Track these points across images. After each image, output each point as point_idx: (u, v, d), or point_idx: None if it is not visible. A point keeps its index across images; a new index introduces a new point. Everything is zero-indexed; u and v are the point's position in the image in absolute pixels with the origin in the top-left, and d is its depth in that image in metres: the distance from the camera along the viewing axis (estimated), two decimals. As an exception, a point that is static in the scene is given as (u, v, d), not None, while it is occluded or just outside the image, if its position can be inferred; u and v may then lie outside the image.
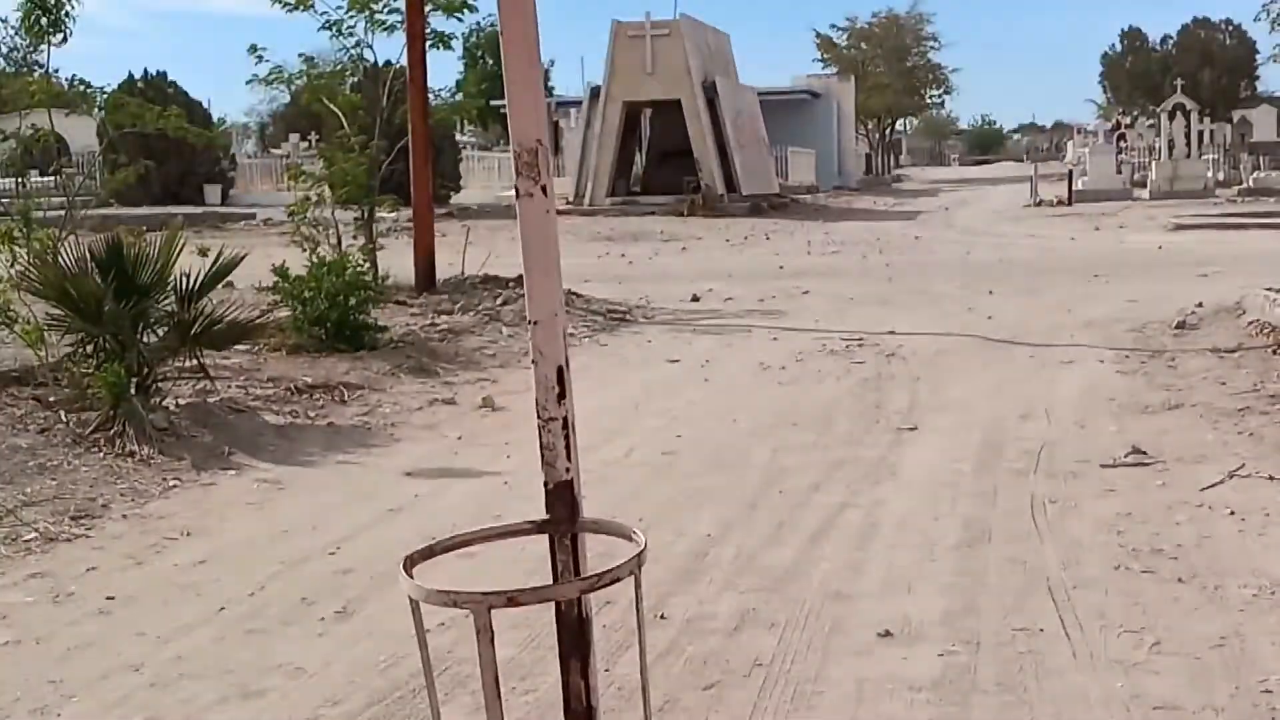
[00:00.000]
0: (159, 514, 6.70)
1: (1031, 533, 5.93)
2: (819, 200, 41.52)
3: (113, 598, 5.42)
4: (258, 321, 9.49)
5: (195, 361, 8.74)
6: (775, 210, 35.21)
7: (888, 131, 77.95)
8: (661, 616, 4.93)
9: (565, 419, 1.47)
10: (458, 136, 43.93)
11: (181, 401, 8.61)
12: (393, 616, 5.08)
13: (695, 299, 15.98)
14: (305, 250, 12.45)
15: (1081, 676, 4.27)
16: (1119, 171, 41.55)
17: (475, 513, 6.55)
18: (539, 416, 1.48)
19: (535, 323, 1.46)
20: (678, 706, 4.12)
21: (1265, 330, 11.50)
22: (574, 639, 1.53)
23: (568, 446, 1.48)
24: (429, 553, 1.47)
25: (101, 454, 7.54)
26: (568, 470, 1.49)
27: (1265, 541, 5.63)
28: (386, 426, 8.90)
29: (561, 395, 1.46)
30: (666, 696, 4.19)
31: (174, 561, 5.92)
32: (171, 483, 7.26)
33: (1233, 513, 6.08)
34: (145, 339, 8.54)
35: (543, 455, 1.49)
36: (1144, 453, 7.26)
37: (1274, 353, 10.48)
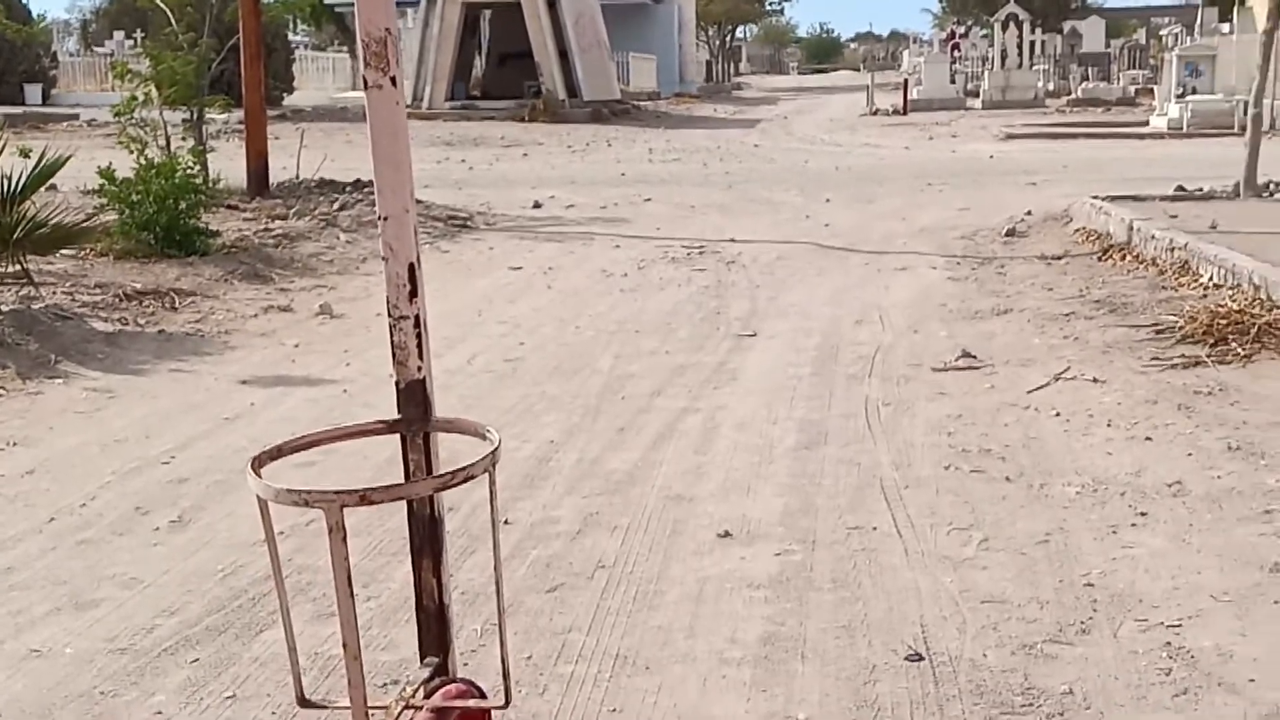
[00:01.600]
0: (-17, 424, 6.49)
1: (866, 435, 6.08)
2: (660, 107, 41.49)
3: (-64, 510, 5.25)
4: (84, 226, 9.19)
5: (18, 267, 8.44)
6: (617, 117, 35.09)
7: (728, 39, 77.99)
8: (505, 522, 4.95)
9: (417, 317, 1.46)
10: (290, 35, 42.71)
11: (4, 309, 8.31)
12: (230, 525, 5.03)
13: (537, 206, 15.90)
14: (132, 152, 12.04)
15: (913, 573, 4.41)
16: (953, 81, 42.32)
17: (314, 421, 6.47)
18: (390, 315, 1.47)
19: (385, 218, 1.44)
20: (522, 609, 4.16)
21: (1091, 237, 11.88)
22: (426, 538, 1.54)
23: (420, 345, 1.47)
24: (277, 452, 1.46)
25: (-81, 362, 7.26)
26: (420, 369, 1.49)
27: (1088, 441, 5.85)
28: (220, 334, 8.72)
29: (413, 293, 1.45)
30: (511, 600, 4.22)
31: (0, 472, 5.75)
32: (-5, 392, 7.03)
33: (1058, 414, 6.30)
34: (-37, 243, 8.22)
35: (394, 354, 1.48)
36: (974, 356, 7.48)
37: (1099, 259, 10.84)
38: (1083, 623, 3.97)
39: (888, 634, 3.94)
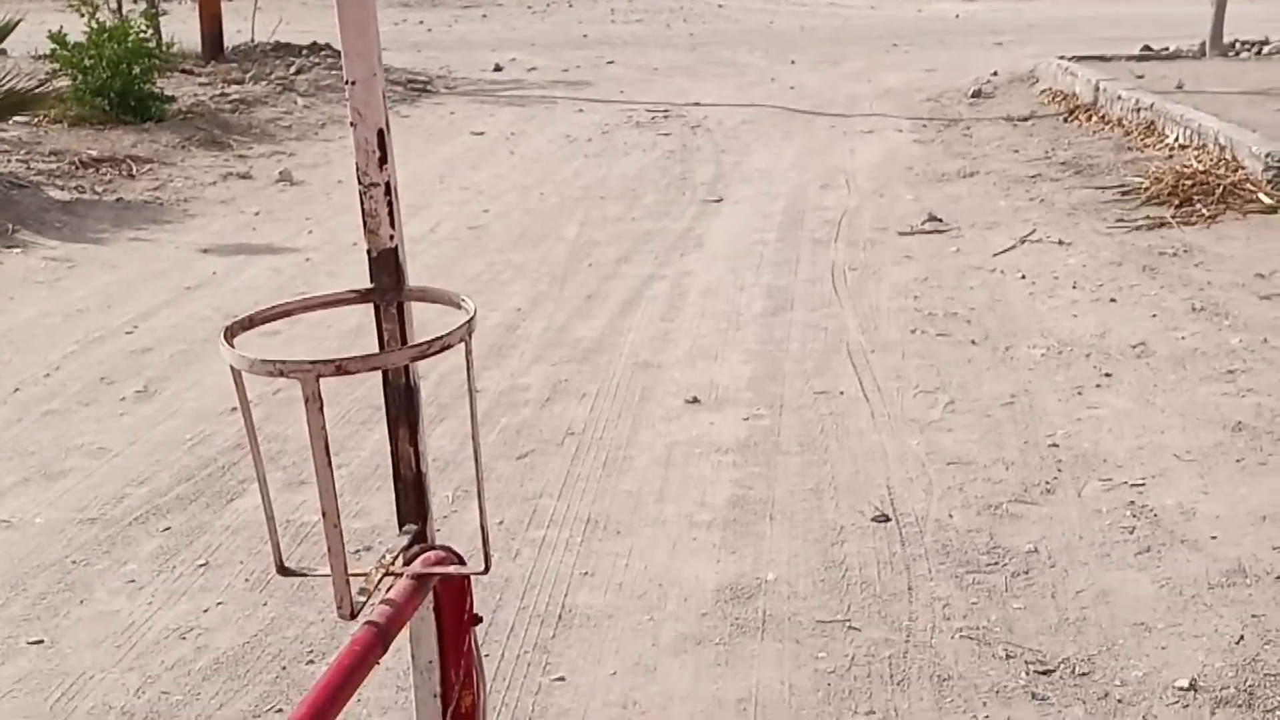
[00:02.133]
0: (-59, 295, 6.42)
1: (832, 299, 6.09)
2: (621, -33, 40.75)
3: (-103, 382, 5.21)
4: (36, 92, 9.01)
5: (-31, 134, 8.28)
6: (576, -23, 34.46)
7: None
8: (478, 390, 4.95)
9: (387, 184, 1.43)
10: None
11: (-43, 177, 8.19)
12: (196, 394, 5.01)
13: (498, 69, 15.68)
14: (83, 16, 11.73)
15: (879, 435, 4.45)
16: (919, -60, 41.63)
17: (276, 289, 6.43)
18: (359, 182, 1.44)
19: (352, 83, 1.40)
20: (493, 475, 4.18)
21: (1057, 98, 11.82)
22: (403, 406, 1.53)
23: (391, 213, 1.44)
24: (249, 322, 1.44)
25: (-128, 233, 7.15)
26: (392, 237, 1.46)
27: (1053, 304, 5.88)
28: (179, 202, 8.61)
29: (383, 160, 1.42)
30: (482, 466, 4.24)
31: (-39, 344, 5.70)
32: (-48, 262, 6.95)
33: (1024, 276, 6.32)
34: (-88, 110, 8.05)
35: (365, 222, 1.46)
36: (940, 220, 7.47)
37: (1065, 120, 10.80)
38: (1047, 483, 4.02)
39: (855, 496, 3.98)
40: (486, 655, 2.89)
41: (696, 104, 12.70)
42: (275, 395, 4.86)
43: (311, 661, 3.16)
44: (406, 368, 1.52)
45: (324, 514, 1.35)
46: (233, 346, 1.38)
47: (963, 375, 5.01)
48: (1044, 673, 3.02)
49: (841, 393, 4.87)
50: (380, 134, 1.42)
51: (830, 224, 7.61)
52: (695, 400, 4.83)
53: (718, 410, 4.74)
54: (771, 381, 5.02)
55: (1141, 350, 5.20)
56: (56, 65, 10.85)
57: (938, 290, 6.17)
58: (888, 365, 5.15)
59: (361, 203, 1.47)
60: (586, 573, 3.57)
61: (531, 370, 5.24)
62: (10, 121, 9.60)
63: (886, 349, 5.35)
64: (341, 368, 1.29)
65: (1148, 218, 7.26)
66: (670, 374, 5.15)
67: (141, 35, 11.20)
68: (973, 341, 5.40)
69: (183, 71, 13.32)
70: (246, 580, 3.57)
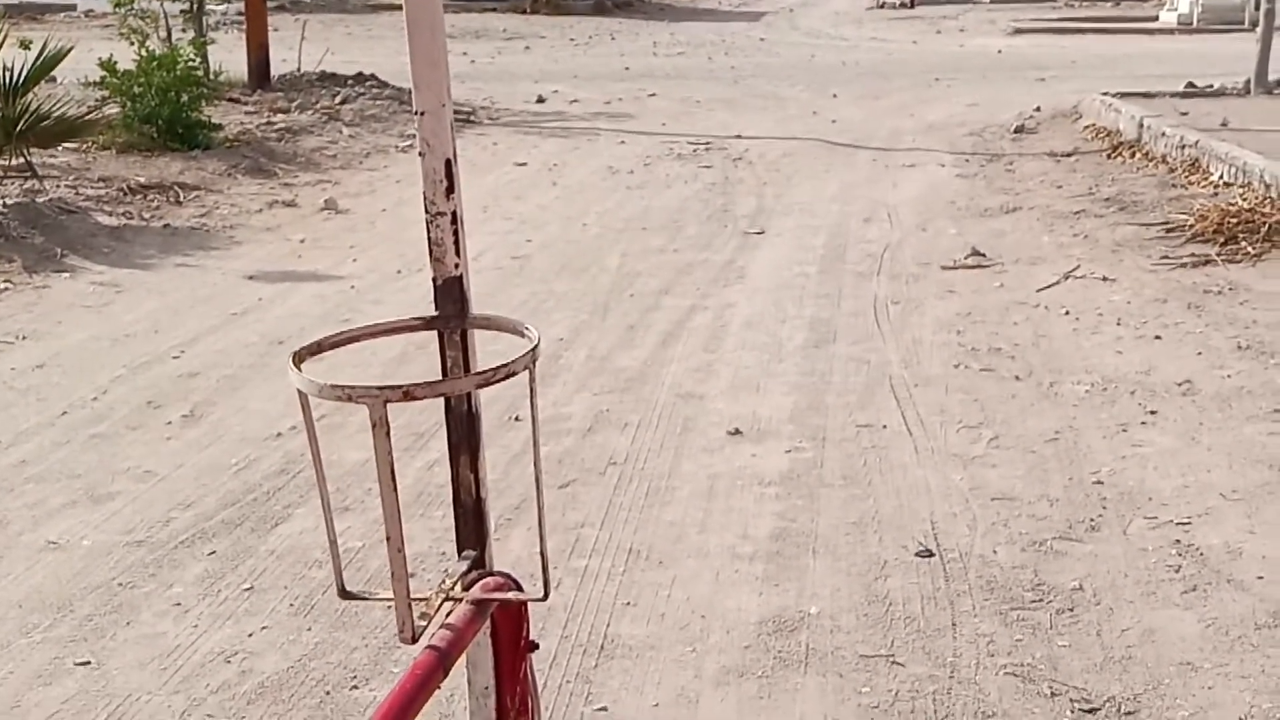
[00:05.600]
0: (-9, 318, 6.50)
1: (875, 333, 6.09)
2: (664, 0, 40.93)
3: (-52, 403, 5.28)
4: (86, 118, 9.14)
5: (22, 160, 8.40)
6: (620, 9, 34.65)
7: (732, -70, 76.76)
8: (516, 419, 4.98)
9: (454, 213, 1.45)
10: (287, -75, 42.04)
11: (9, 202, 8.28)
12: (242, 420, 5.05)
13: (541, 101, 15.77)
14: (133, 44, 11.92)
15: (923, 470, 4.45)
16: (961, -25, 41.63)
17: (322, 317, 6.48)
18: (426, 211, 1.46)
19: (422, 113, 1.43)
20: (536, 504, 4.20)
21: (1100, 134, 11.80)
22: (464, 433, 1.55)
23: (456, 241, 1.47)
24: (317, 348, 1.46)
25: (-75, 256, 7.25)
26: (457, 266, 1.49)
27: (1098, 340, 5.86)
28: (225, 229, 8.70)
29: (450, 189, 1.45)
30: (524, 495, 4.26)
31: (10, 365, 5.77)
32: (2, 285, 7.03)
33: (1067, 312, 6.31)
34: (-35, 136, 8.17)
35: (431, 251, 1.48)
36: (983, 255, 7.46)
37: (1108, 156, 10.78)
38: (1092, 520, 4.01)
39: (898, 530, 3.97)
40: (531, 683, 2.90)
41: (738, 136, 12.74)
42: (320, 420, 4.89)
43: (355, 687, 3.18)
44: (469, 395, 1.54)
45: (388, 538, 1.37)
46: (301, 371, 1.40)
47: (1006, 411, 5.00)
48: (1089, 711, 3.00)
49: (884, 426, 4.86)
50: (448, 164, 1.44)
51: (872, 257, 7.61)
52: (737, 432, 4.84)
53: (760, 442, 4.75)
54: (814, 414, 5.02)
55: (1187, 388, 5.17)
56: (106, 92, 11.01)
57: (981, 325, 6.16)
58: (931, 399, 5.14)
59: (428, 231, 1.49)
60: (629, 603, 3.58)
61: (574, 399, 5.26)
62: (60, 148, 9.73)
63: (929, 383, 5.34)
64: (409, 394, 1.31)
65: (1192, 255, 7.23)
66: (712, 405, 5.16)
67: (190, 64, 11.34)
68: (1016, 377, 5.39)
69: (230, 100, 13.46)
70: (291, 605, 3.60)
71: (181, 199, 9.38)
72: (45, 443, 4.84)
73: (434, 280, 1.49)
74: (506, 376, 1.38)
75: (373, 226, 8.69)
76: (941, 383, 5.35)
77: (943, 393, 5.22)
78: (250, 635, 3.44)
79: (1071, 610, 3.47)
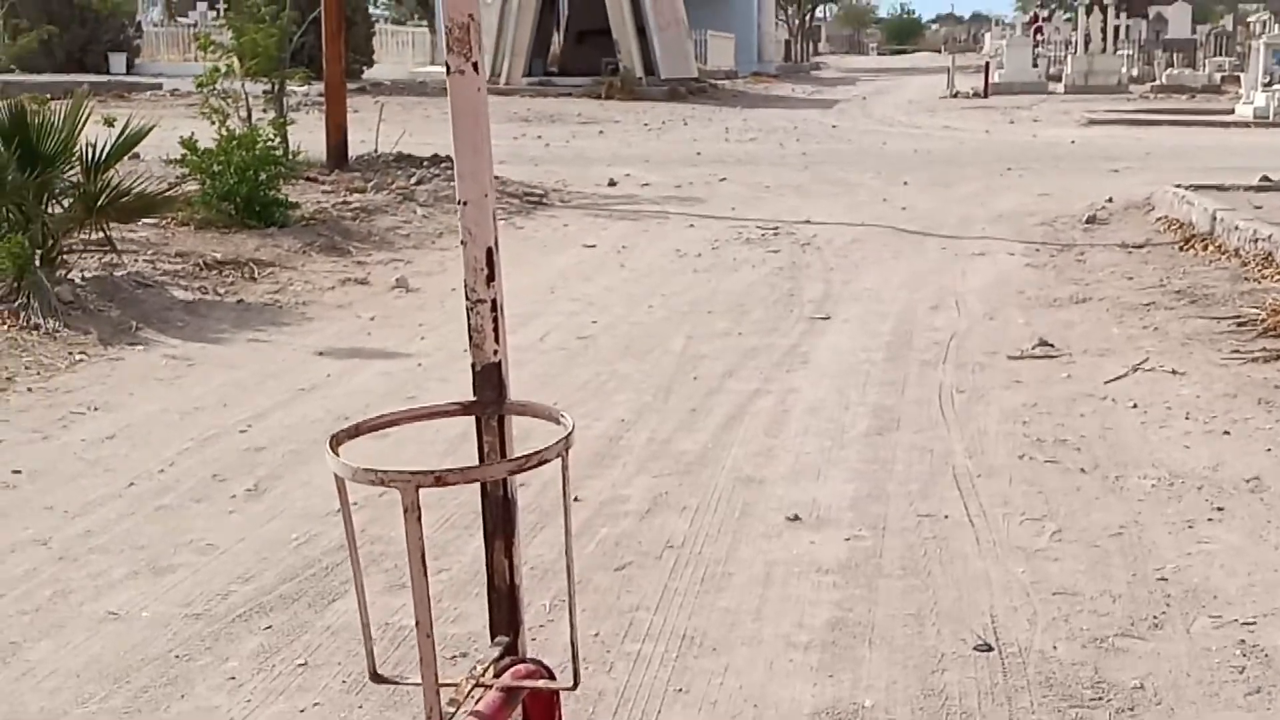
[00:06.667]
0: (65, 388, 6.61)
1: (939, 421, 6.04)
2: (737, 86, 41.30)
3: (19, 472, 5.36)
4: (166, 195, 9.30)
5: (101, 234, 8.57)
6: (693, 95, 34.98)
7: (807, 18, 77.45)
8: (575, 499, 4.97)
9: (494, 301, 1.46)
10: (370, 9, 43.00)
11: (87, 275, 8.46)
12: (305, 495, 5.09)
13: (612, 184, 15.91)
14: (214, 123, 12.18)
15: (984, 562, 4.39)
16: (1035, 65, 41.75)
17: (388, 393, 6.53)
18: (467, 299, 1.47)
19: (465, 203, 1.45)
20: (590, 586, 4.18)
21: (1173, 226, 11.70)
22: (499, 519, 1.55)
23: (496, 329, 1.48)
24: (355, 431, 1.47)
25: (5, 327, 7.40)
26: (496, 352, 1.49)
27: (1166, 434, 5.77)
28: (298, 305, 8.82)
29: (490, 277, 1.46)
30: (579, 577, 4.24)
31: (81, 436, 5.85)
32: (78, 357, 7.16)
33: (1135, 405, 6.22)
34: (50, 210, 8.35)
35: (470, 337, 1.49)
36: (1051, 345, 7.40)
37: (1180, 249, 10.68)
38: (1155, 617, 3.92)
39: (957, 623, 3.91)
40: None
41: (807, 221, 12.76)
42: (381, 497, 4.92)
43: (403, 767, 3.16)
44: (505, 480, 1.54)
45: (417, 623, 1.37)
46: (337, 454, 1.41)
47: (1071, 504, 4.92)
48: (1148, 815, 2.92)
49: (946, 517, 4.81)
50: (489, 252, 1.46)
51: (939, 345, 7.57)
52: (796, 518, 4.80)
53: (819, 529, 4.71)
54: (875, 502, 4.98)
55: (1255, 485, 5.08)
56: (186, 170, 11.23)
57: (1047, 416, 6.09)
58: (994, 490, 5.08)
59: (468, 318, 1.50)
60: (681, 689, 3.54)
61: (633, 481, 5.25)
62: (140, 223, 9.92)
63: (993, 474, 5.28)
64: (441, 479, 1.31)
65: (1264, 350, 7.12)
66: (772, 490, 5.13)
67: (269, 143, 11.57)
68: (1082, 470, 5.32)
69: (307, 179, 13.69)
70: (344, 682, 3.60)
71: (256, 275, 9.53)
72: (111, 514, 4.90)
73: (473, 366, 1.49)
74: (540, 463, 1.38)
75: (442, 305, 8.76)
76: (1005, 473, 5.29)
77: (1006, 484, 5.16)
78: (302, 711, 3.44)
79: (1132, 710, 3.39)
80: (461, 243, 1.47)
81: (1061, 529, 4.66)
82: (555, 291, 9.39)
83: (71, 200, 8.43)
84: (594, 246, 11.47)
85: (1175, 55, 44.63)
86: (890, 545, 4.55)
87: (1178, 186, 12.77)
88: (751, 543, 4.60)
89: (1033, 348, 7.37)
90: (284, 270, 9.81)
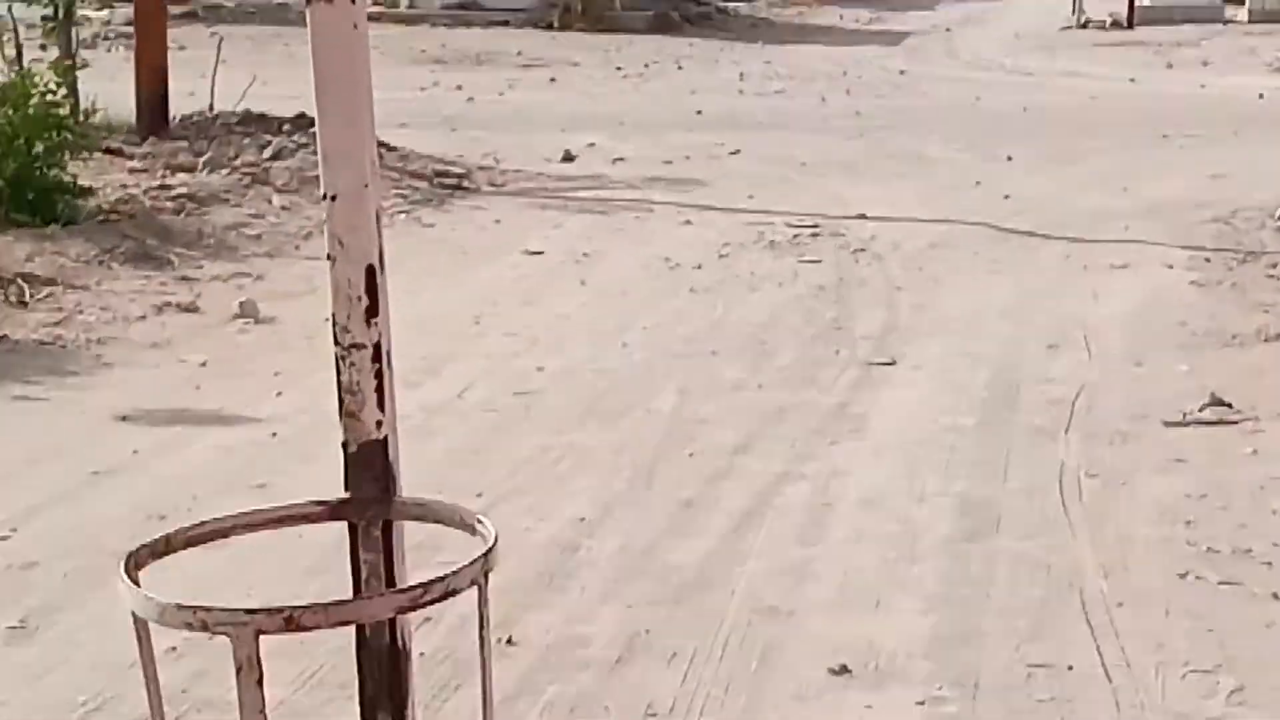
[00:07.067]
0: None
1: (1060, 522, 6.05)
2: (758, 11, 41.50)
3: None
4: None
5: None
6: (691, 24, 35.12)
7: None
8: (509, 641, 4.95)
9: (378, 346, 1.45)
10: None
11: None
12: (96, 636, 5.05)
13: (569, 158, 15.92)
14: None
15: (1128, 737, 4.40)
16: (1205, -20, 42.01)
17: (226, 480, 6.51)
18: (338, 343, 1.46)
19: (333, 198, 1.43)
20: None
21: None
22: (384, 679, 1.53)
23: (380, 388, 1.46)
24: (164, 546, 1.46)
25: None
26: (380, 424, 1.48)
27: (1400, 540, 5.81)
28: (90, 343, 8.78)
29: (373, 310, 1.44)
30: (514, 760, 4.24)
31: None
32: None
33: (1355, 497, 6.27)
34: None
35: (342, 402, 1.48)
36: (1228, 405, 7.42)
37: None
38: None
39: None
40: None
41: (861, 217, 12.79)
42: (213, 639, 4.89)
43: None
44: (392, 622, 1.53)
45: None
46: (136, 583, 1.39)
47: (1258, 647, 4.93)
48: None
49: (1070, 668, 4.81)
50: (370, 273, 1.44)
51: (1059, 405, 7.58)
52: (845, 670, 4.79)
53: (879, 687, 4.70)
54: (963, 646, 4.98)
55: None
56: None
57: (1223, 514, 6.11)
58: (1143, 628, 5.08)
59: (338, 371, 1.49)
60: None
61: (598, 614, 5.24)
62: None
63: (1141, 602, 5.29)
64: (293, 621, 1.30)
65: None
66: (808, 627, 5.12)
67: (49, 97, 11.52)
68: (1274, 595, 5.33)
69: (108, 151, 13.65)
70: None
71: (27, 298, 9.48)
72: None
73: (344, 445, 1.48)
74: (443, 597, 1.37)
75: (309, 343, 8.73)
76: (1160, 601, 5.30)
77: (1161, 617, 5.17)
78: None
79: None
80: (328, 257, 1.46)
81: (1244, 686, 4.67)
82: (481, 322, 9.38)
83: None
84: (540, 253, 11.47)
85: None
86: (986, 712, 4.54)
87: None
88: (779, 708, 4.59)
89: (1201, 409, 7.40)
90: (70, 291, 9.77)
